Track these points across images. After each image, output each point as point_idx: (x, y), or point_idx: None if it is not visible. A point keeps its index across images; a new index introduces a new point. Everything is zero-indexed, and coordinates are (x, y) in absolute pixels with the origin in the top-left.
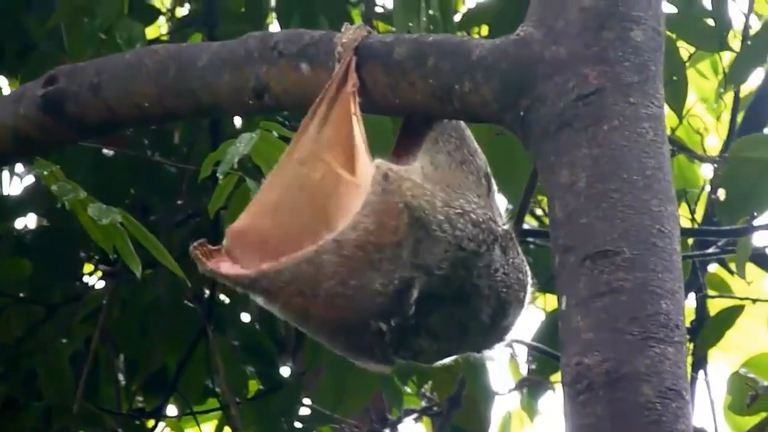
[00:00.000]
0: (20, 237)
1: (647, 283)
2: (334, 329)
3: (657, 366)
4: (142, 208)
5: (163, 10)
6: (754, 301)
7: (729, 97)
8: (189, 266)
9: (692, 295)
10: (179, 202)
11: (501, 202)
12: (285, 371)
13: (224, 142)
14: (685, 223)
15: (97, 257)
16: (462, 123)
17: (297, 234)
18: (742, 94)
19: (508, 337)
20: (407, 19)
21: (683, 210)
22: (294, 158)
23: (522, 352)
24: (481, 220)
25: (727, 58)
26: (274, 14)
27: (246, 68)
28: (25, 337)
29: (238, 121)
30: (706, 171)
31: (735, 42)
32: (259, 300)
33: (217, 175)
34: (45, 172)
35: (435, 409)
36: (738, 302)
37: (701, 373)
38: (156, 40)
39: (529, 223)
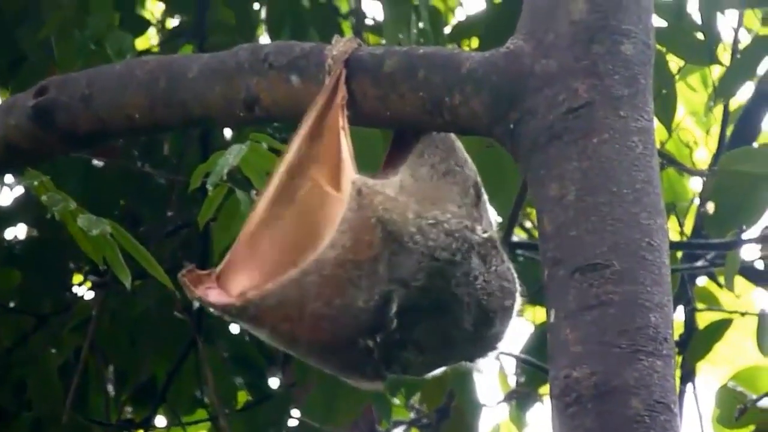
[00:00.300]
0: (10, 247)
1: (636, 297)
2: (322, 350)
3: (646, 379)
4: (132, 219)
5: (154, 21)
6: (743, 314)
7: (718, 110)
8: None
9: (681, 308)
10: (169, 213)
11: (491, 213)
12: (274, 383)
13: (214, 153)
14: (675, 237)
15: (86, 268)
16: (451, 135)
17: (287, 252)
18: (731, 108)
19: (500, 344)
20: (397, 31)
21: (672, 223)
22: (284, 173)
23: (510, 365)
24: (454, 229)
25: (716, 71)
26: (264, 26)
27: (236, 80)
28: (15, 347)
29: (228, 132)
30: (695, 184)
31: (724, 56)
32: (247, 327)
33: (207, 186)
34: (35, 183)
35: (424, 420)
36: (726, 315)
37: (690, 386)
38: (146, 52)
39: (519, 235)
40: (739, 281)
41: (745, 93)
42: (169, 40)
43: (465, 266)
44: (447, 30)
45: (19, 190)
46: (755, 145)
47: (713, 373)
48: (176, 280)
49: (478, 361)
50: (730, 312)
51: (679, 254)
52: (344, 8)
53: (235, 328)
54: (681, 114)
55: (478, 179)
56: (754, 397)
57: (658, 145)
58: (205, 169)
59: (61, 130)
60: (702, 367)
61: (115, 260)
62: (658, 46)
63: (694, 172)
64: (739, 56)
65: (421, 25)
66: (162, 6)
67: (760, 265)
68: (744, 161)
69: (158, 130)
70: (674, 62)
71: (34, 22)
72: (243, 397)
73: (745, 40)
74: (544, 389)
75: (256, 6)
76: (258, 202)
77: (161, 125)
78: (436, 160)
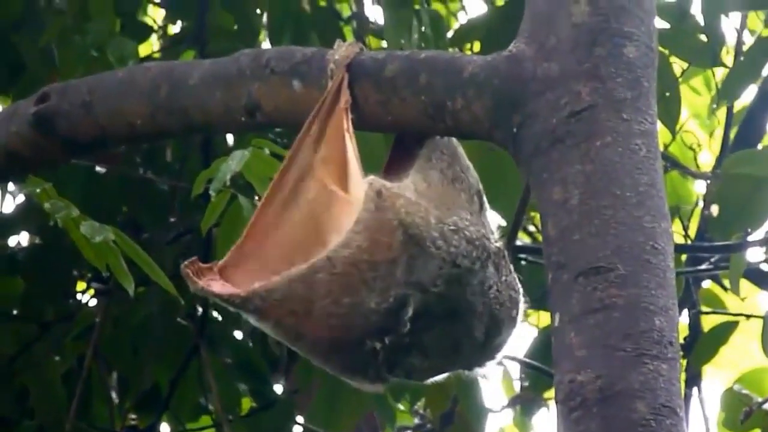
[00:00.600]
0: (12, 255)
1: (640, 300)
2: (326, 348)
3: (651, 383)
4: (134, 225)
5: (155, 27)
6: (748, 317)
7: (722, 113)
8: (182, 284)
9: (686, 312)
10: (171, 219)
11: (493, 219)
12: (278, 389)
13: (216, 159)
14: (679, 240)
15: (89, 275)
16: (454, 140)
17: (291, 252)
18: (735, 110)
19: (500, 354)
20: (399, 35)
21: (676, 226)
22: (288, 176)
23: (515, 369)
24: (475, 237)
25: (720, 73)
26: (265, 31)
27: (238, 86)
28: (18, 355)
29: (230, 138)
30: (699, 187)
31: (728, 58)
32: (251, 319)
33: (210, 192)
34: (37, 190)
35: (428, 426)
36: (731, 318)
37: (695, 389)
38: (148, 58)
39: (522, 239)
40: (744, 284)
41: (748, 95)
42: (171, 46)
43: (481, 275)
44: (449, 34)
45: (22, 197)
46: (759, 147)
47: (718, 376)
48: (179, 287)
49: (477, 370)
50: (735, 315)
51: (684, 257)
52: (346, 12)
53: (238, 335)
54: (684, 116)
55: (480, 186)
56: (760, 399)
57: (661, 148)
58: (208, 175)
59: (62, 137)
60: (707, 371)
61: (118, 267)
62: (661, 49)
63: (697, 175)
64: (742, 58)
65: (423, 29)
66: (163, 12)
67: (765, 267)
68: (748, 163)
69: (160, 136)
70: (677, 65)
71: (34, 28)
72: (247, 403)
73: (748, 42)
74: (549, 394)
75: (257, 11)
76: (262, 203)
77: (163, 132)
78: (443, 165)
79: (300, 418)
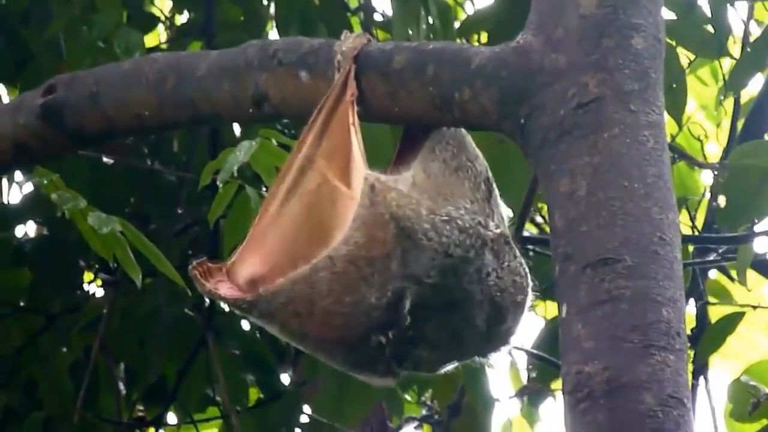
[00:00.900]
0: (20, 246)
1: (648, 291)
2: (333, 347)
3: (658, 374)
4: (141, 216)
5: (162, 18)
6: (755, 308)
7: (729, 103)
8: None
9: (693, 303)
10: (179, 210)
11: (502, 208)
12: (285, 380)
13: (224, 150)
14: (686, 231)
15: (96, 266)
16: (462, 130)
17: (295, 247)
18: (742, 101)
19: (512, 340)
20: (406, 26)
21: (684, 217)
22: (293, 170)
23: (522, 360)
24: (468, 225)
25: (727, 64)
26: (273, 22)
27: (245, 77)
28: (25, 346)
29: (237, 129)
30: (706, 178)
31: (735, 48)
32: (258, 321)
33: (217, 183)
34: (45, 181)
35: (435, 417)
36: (739, 309)
37: (702, 380)
38: (155, 49)
39: (529, 230)
40: (751, 275)
41: (755, 85)
42: (178, 37)
43: (478, 262)
44: (456, 25)
45: (29, 188)
46: (766, 137)
47: (725, 367)
48: (186, 278)
49: (490, 357)
50: (742, 306)
51: (691, 248)
52: (353, 4)
53: (245, 326)
54: (691, 108)
55: (489, 174)
56: (767, 390)
57: (668, 139)
58: (215, 166)
59: (69, 128)
60: (714, 361)
61: (126, 258)
62: (668, 40)
63: (705, 166)
64: (749, 49)
65: (430, 20)
66: (170, 3)
67: None
68: (755, 154)
69: (167, 128)
70: (684, 56)
71: (41, 20)
72: (254, 394)
73: (755, 32)
74: (556, 384)
75: (264, 2)
76: (268, 198)
77: (170, 123)
78: (447, 155)
79: (307, 409)
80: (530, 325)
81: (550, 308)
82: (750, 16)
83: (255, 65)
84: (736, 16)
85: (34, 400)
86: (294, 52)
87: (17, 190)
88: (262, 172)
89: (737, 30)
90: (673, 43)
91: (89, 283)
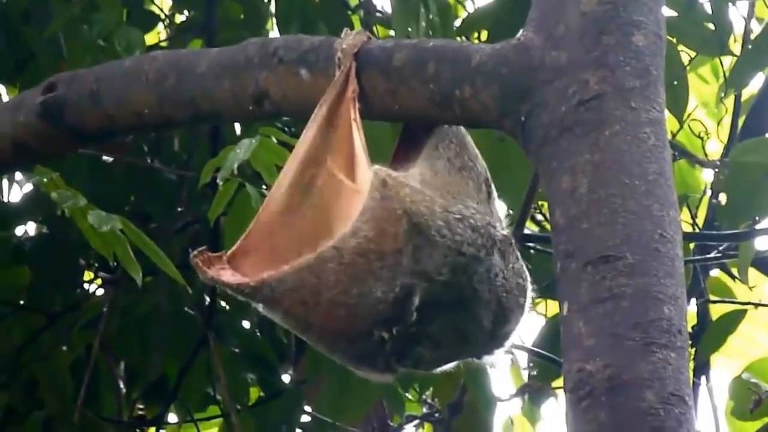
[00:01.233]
0: (20, 244)
1: (649, 289)
2: (335, 338)
3: (659, 372)
4: (142, 215)
5: (162, 16)
6: (756, 305)
7: (730, 101)
8: (189, 273)
9: (694, 300)
10: (179, 209)
11: (501, 207)
12: (286, 379)
13: (224, 148)
14: (687, 228)
15: (97, 265)
16: (462, 129)
17: (299, 241)
18: (743, 98)
19: (509, 342)
20: (407, 24)
21: (685, 215)
22: (296, 165)
23: (523, 358)
24: (479, 224)
25: (727, 62)
26: (273, 20)
27: (245, 75)
28: (25, 345)
29: (238, 127)
30: (707, 176)
31: (735, 46)
32: (261, 308)
33: (217, 181)
34: (45, 180)
35: (436, 415)
36: (740, 307)
37: (703, 378)
38: (155, 47)
39: (530, 228)
40: (752, 273)
41: (756, 83)
42: (178, 35)
43: (488, 262)
44: (456, 23)
45: (29, 186)
46: (767, 135)
47: (727, 365)
48: (187, 276)
49: (486, 358)
50: (744, 303)
51: (692, 246)
52: (353, 1)
53: (246, 324)
54: (692, 105)
55: (488, 175)
56: None
57: (669, 137)
58: (215, 164)
59: (69, 126)
60: (715, 359)
61: (126, 256)
62: (669, 37)
63: (705, 164)
64: (750, 46)
65: (430, 17)
66: (170, 1)
67: None
68: (756, 152)
69: (167, 126)
70: (685, 53)
71: (41, 19)
72: (255, 393)
73: (756, 30)
74: (557, 383)
75: (264, 0)
76: (272, 192)
77: (170, 121)
78: (451, 154)
79: (308, 408)
80: (531, 323)
81: (551, 306)
82: (751, 13)
83: (255, 63)
84: (736, 14)
85: (34, 399)
86: (294, 49)
87: (17, 188)
88: (263, 170)
89: (738, 27)
90: (674, 41)
91: (89, 281)
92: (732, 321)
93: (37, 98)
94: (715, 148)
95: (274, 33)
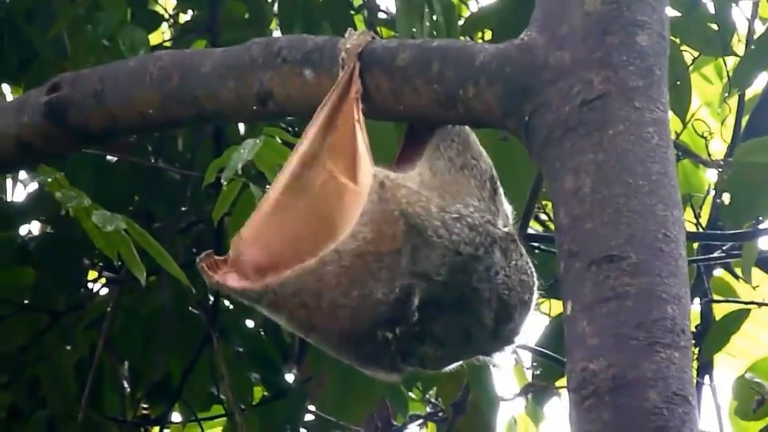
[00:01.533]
0: (24, 244)
1: (653, 288)
2: (339, 339)
3: (663, 371)
4: (146, 215)
5: (166, 16)
6: (760, 305)
7: (733, 101)
8: (193, 273)
9: (697, 300)
10: (183, 208)
11: (508, 205)
12: (290, 378)
13: (228, 148)
14: (690, 228)
15: (101, 264)
16: (466, 128)
17: (303, 242)
18: (746, 98)
19: (517, 339)
20: (411, 24)
21: (688, 215)
22: (298, 165)
23: (527, 358)
24: (477, 223)
25: (731, 62)
26: (277, 20)
27: (250, 74)
28: (29, 345)
29: (241, 127)
30: (710, 175)
31: (739, 46)
32: (266, 312)
33: (221, 181)
34: (49, 179)
35: (440, 414)
36: (743, 307)
37: (707, 378)
38: (159, 47)
39: (534, 228)
40: (756, 272)
41: (760, 83)
42: (182, 35)
43: (487, 261)
44: (460, 22)
45: (33, 186)
46: None
47: (730, 364)
48: (191, 276)
49: (494, 356)
50: (747, 303)
51: (695, 245)
52: (357, 1)
53: (250, 324)
54: (696, 105)
55: (494, 172)
56: None
57: (672, 137)
58: (219, 164)
59: (73, 126)
60: (719, 359)
61: (130, 256)
62: (672, 38)
63: (709, 164)
64: (753, 46)
65: (434, 17)
66: (174, 1)
67: None
68: (759, 152)
69: (171, 125)
70: (688, 53)
71: (45, 18)
72: (259, 392)
73: (759, 30)
74: (561, 382)
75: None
76: (271, 191)
77: (174, 121)
78: (452, 153)
79: (312, 407)
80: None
81: (555, 305)
82: (754, 13)
83: (259, 63)
84: (740, 14)
85: (38, 399)
86: (298, 49)
87: (21, 188)
88: (267, 170)
89: (741, 27)
90: (677, 41)
91: (93, 281)
92: (735, 320)
93: (41, 98)
94: (718, 148)
95: (277, 33)
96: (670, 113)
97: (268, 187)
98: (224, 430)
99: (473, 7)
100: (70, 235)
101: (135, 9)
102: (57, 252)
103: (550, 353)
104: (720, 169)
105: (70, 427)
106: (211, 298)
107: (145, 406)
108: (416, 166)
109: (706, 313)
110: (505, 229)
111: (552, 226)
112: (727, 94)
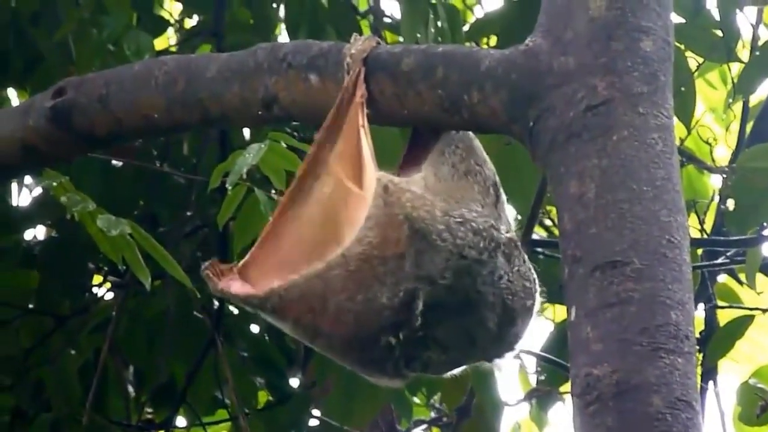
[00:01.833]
0: (29, 248)
1: (657, 294)
2: (344, 345)
3: (667, 377)
4: (151, 219)
5: (172, 21)
6: (764, 311)
7: (738, 107)
8: (198, 277)
9: (701, 306)
10: (188, 213)
11: (511, 211)
12: (294, 382)
13: (233, 152)
14: (695, 234)
15: (105, 268)
16: (470, 134)
17: (309, 248)
18: (751, 104)
19: (519, 345)
20: (415, 29)
21: (692, 220)
22: (307, 172)
23: (531, 363)
24: (481, 228)
25: (736, 68)
26: (282, 25)
27: (255, 79)
28: (34, 348)
29: (246, 131)
30: (715, 181)
31: (743, 52)
32: (270, 318)
33: (226, 185)
34: (54, 184)
35: (444, 419)
36: (747, 313)
37: (711, 383)
38: (164, 51)
39: (538, 233)
40: (760, 278)
41: (764, 89)
42: (187, 39)
43: (491, 265)
44: (465, 28)
45: (38, 190)
46: None
47: (734, 370)
48: (195, 280)
49: (496, 361)
50: (751, 309)
51: (700, 251)
52: (362, 7)
53: (254, 328)
54: (700, 111)
55: (497, 179)
56: None
57: (677, 143)
58: (224, 169)
59: (78, 130)
60: (723, 365)
61: (135, 260)
62: (676, 44)
63: (713, 170)
64: (758, 53)
65: (439, 23)
66: (180, 5)
67: None
68: (764, 158)
69: (176, 130)
70: (693, 59)
71: (50, 22)
72: (263, 397)
73: (764, 36)
74: (565, 387)
75: (273, 5)
76: (282, 201)
77: (179, 125)
78: (456, 159)
79: (316, 412)
80: (539, 327)
81: (559, 311)
82: (759, 20)
83: (264, 68)
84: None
85: (42, 402)
86: (303, 54)
87: (26, 192)
88: (272, 174)
89: (746, 33)
90: (682, 47)
91: (98, 285)
92: (739, 326)
93: (46, 102)
94: (723, 154)
95: (283, 38)
96: (675, 119)
97: (273, 192)
98: None
99: (478, 13)
100: (74, 239)
101: (140, 13)
102: (62, 256)
103: (555, 358)
104: (724, 175)
105: (75, 430)
106: (216, 303)
107: (150, 410)
108: (420, 170)
109: (710, 318)
110: (509, 235)
111: (556, 231)
112: (731, 100)
